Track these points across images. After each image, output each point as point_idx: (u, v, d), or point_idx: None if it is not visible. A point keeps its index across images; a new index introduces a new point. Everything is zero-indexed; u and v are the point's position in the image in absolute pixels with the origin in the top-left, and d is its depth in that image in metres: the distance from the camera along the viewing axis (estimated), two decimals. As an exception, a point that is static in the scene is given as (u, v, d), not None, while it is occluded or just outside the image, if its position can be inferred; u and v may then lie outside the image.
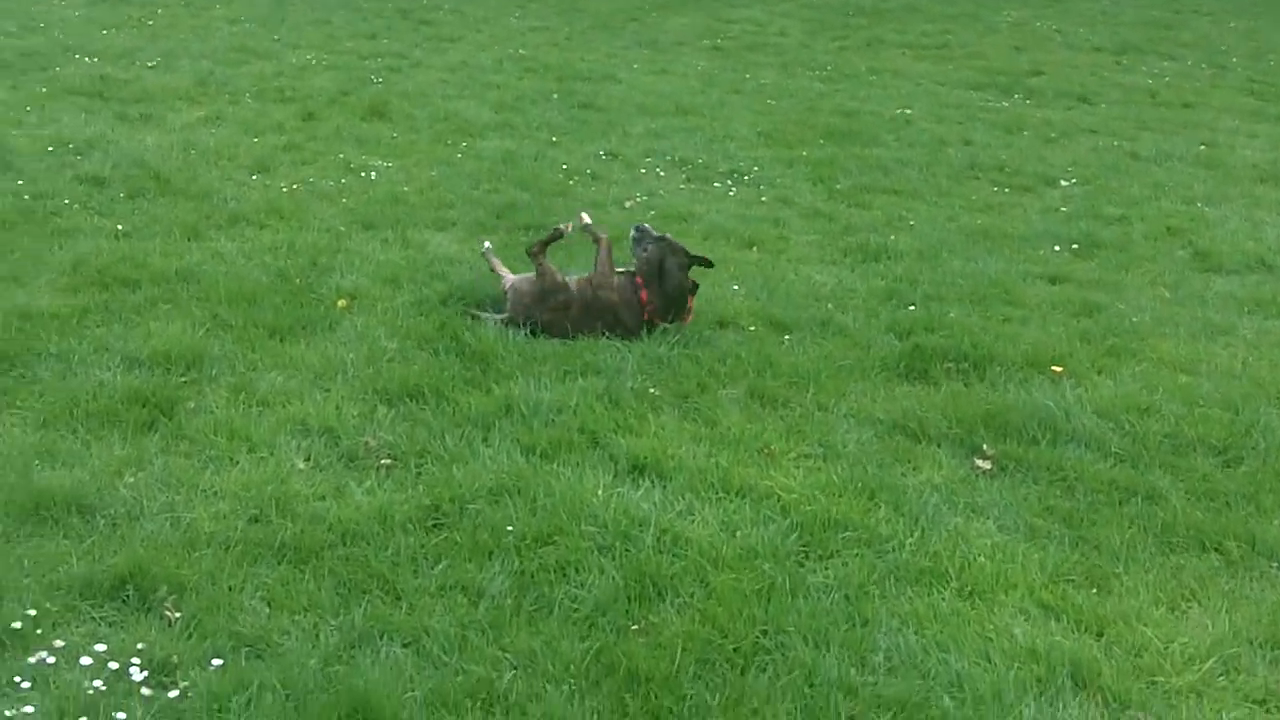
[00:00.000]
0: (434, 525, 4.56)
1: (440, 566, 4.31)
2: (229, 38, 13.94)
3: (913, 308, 7.07)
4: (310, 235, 7.60)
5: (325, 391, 5.53)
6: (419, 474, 4.90)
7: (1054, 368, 6.38)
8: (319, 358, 5.85)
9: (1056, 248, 8.52)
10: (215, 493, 4.68)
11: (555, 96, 11.99)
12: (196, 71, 12.06)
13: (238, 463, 4.90)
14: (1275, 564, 4.80)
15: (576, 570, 4.33)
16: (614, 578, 4.27)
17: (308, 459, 4.96)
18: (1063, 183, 10.38)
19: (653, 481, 4.97)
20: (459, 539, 4.46)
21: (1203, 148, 12.00)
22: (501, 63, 13.55)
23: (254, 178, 8.82)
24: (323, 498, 4.70)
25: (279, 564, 4.27)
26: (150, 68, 12.22)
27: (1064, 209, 9.54)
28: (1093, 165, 11.06)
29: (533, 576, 4.28)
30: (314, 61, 13.02)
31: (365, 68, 12.86)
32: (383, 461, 4.97)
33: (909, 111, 12.62)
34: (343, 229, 7.81)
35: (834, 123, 11.73)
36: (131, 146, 9.28)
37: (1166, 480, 5.33)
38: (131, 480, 4.70)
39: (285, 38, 14.19)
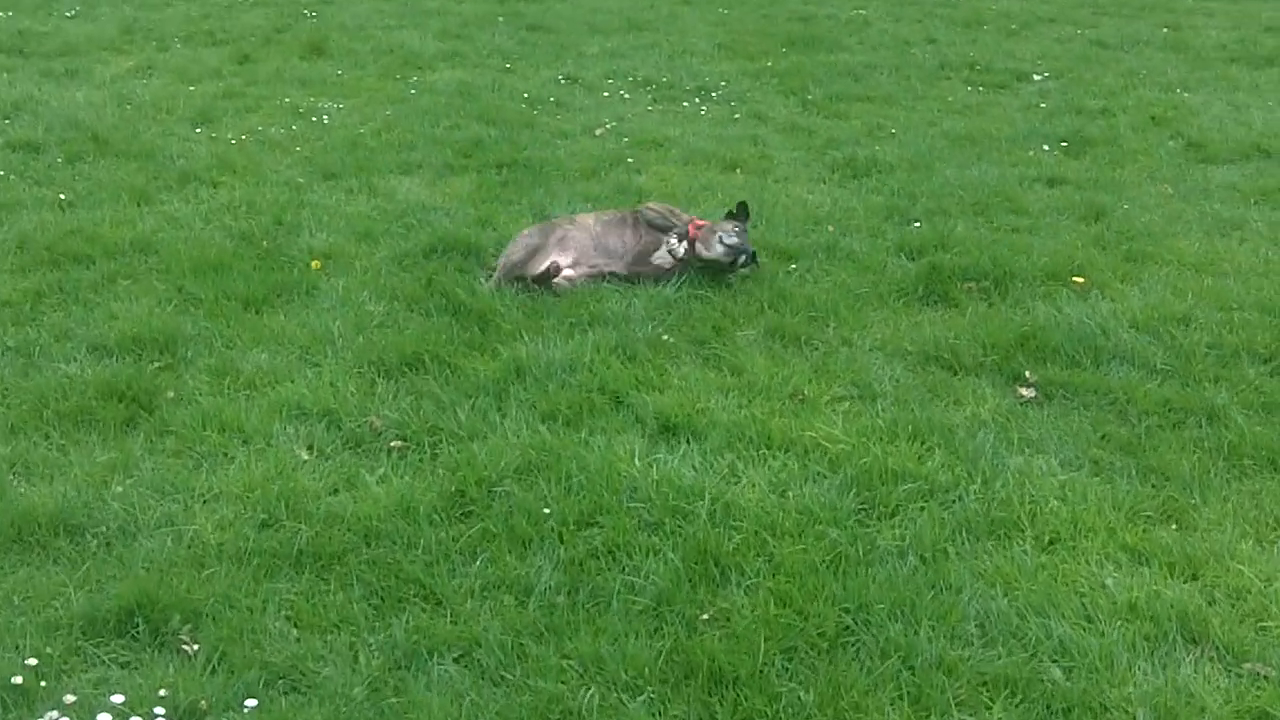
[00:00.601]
0: (463, 514, 4.12)
1: (479, 563, 3.87)
2: (148, -21, 13.20)
3: (918, 225, 6.68)
4: (269, 190, 7.07)
5: (315, 367, 5.05)
6: (435, 455, 4.45)
7: (1075, 279, 6.05)
8: (302, 329, 5.36)
9: (1046, 147, 8.19)
10: (216, 496, 4.21)
11: (501, 20, 11.44)
12: (119, 18, 11.39)
13: (234, 458, 4.42)
14: (1353, 482, 4.49)
15: (628, 554, 3.91)
16: (671, 560, 3.86)
17: (310, 447, 4.49)
18: (1035, 77, 10.05)
19: (688, 442, 4.55)
20: (494, 528, 4.02)
21: (1166, 30, 11.70)
22: (438, -14, 12.94)
23: (198, 130, 8.25)
24: (335, 491, 4.24)
25: (300, 575, 3.80)
26: (70, 18, 11.53)
27: (1043, 105, 9.21)
28: (1062, 57, 10.73)
29: (582, 566, 3.86)
30: (240, -2, 12.37)
31: (296, 1, 12.20)
32: (393, 444, 4.51)
33: (864, 13, 12.21)
34: (302, 180, 7.28)
35: (793, 29, 11.28)
36: (62, 105, 8.67)
37: (1221, 395, 5.00)
38: (120, 490, 4.19)
39: (207, -26, 13.47)
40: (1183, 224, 6.83)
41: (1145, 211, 7.01)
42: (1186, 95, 9.52)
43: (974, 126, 8.61)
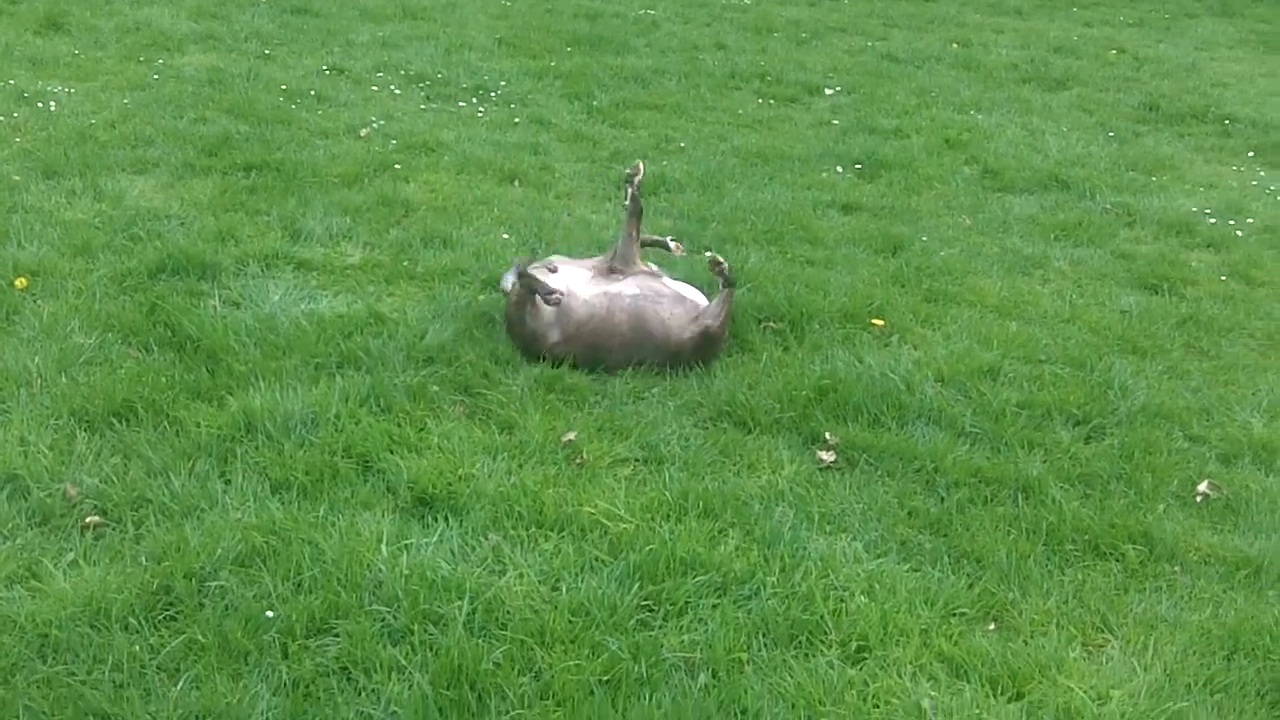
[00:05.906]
0: (167, 617, 3.39)
1: (180, 685, 3.16)
2: None
3: (709, 254, 6.14)
4: (-25, 190, 6.15)
5: (4, 415, 4.24)
6: (139, 536, 3.70)
7: (874, 320, 5.63)
8: (-7, 365, 4.54)
9: (839, 169, 7.76)
10: None
11: (262, 1, 10.51)
12: None
13: (-114, 538, 3.62)
14: (1177, 566, 4.11)
15: (367, 673, 3.25)
16: (418, 682, 3.22)
17: (-16, 524, 3.71)
18: (827, 91, 9.65)
19: (446, 520, 3.90)
20: (203, 637, 3.31)
21: (955, 46, 11.49)
22: (195, -40, 11.92)
23: (-101, 115, 7.24)
24: (10, 584, 3.47)
25: (-51, 705, 3.06)
26: None
27: (835, 121, 8.81)
28: (853, 70, 10.37)
29: (308, 690, 3.19)
30: (-30, -40, 11.15)
31: (33, -33, 11.07)
32: (89, 519, 3.75)
33: (653, 13, 11.67)
34: (17, 179, 6.36)
35: (578, 27, 10.67)
36: None
37: (1035, 464, 4.59)
38: None
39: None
40: (983, 260, 6.46)
41: (944, 245, 6.62)
42: (980, 117, 9.24)
43: (765, 143, 8.14)
